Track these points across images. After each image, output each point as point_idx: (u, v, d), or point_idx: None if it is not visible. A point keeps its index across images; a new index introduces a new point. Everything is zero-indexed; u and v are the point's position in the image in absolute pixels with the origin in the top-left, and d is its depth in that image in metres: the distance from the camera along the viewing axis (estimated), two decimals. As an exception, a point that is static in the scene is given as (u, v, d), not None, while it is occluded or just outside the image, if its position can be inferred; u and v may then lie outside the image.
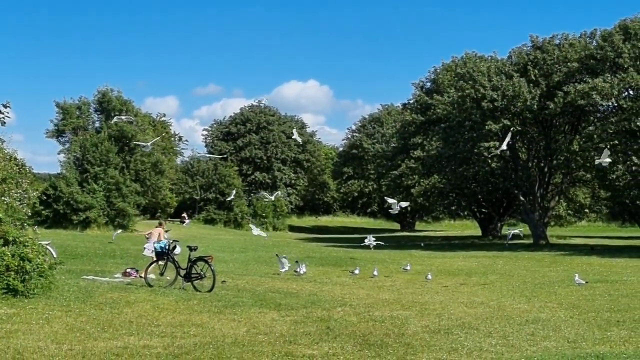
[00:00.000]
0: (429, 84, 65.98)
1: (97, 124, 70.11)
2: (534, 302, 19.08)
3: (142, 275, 20.72)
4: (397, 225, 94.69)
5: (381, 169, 75.45)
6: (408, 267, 28.61)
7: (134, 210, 59.10)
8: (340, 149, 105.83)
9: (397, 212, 33.46)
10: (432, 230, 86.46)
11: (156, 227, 24.15)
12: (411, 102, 67.16)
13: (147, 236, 24.56)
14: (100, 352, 11.07)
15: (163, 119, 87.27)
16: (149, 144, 42.51)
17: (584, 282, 22.57)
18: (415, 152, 59.68)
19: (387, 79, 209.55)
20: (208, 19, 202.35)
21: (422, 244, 52.53)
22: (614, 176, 45.44)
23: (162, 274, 20.44)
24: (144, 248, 24.13)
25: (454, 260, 36.03)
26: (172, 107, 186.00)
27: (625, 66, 44.66)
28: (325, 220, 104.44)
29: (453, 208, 75.33)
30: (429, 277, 25.86)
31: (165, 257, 20.28)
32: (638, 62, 45.10)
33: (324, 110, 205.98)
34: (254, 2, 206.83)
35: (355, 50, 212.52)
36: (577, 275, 23.23)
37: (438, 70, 63.75)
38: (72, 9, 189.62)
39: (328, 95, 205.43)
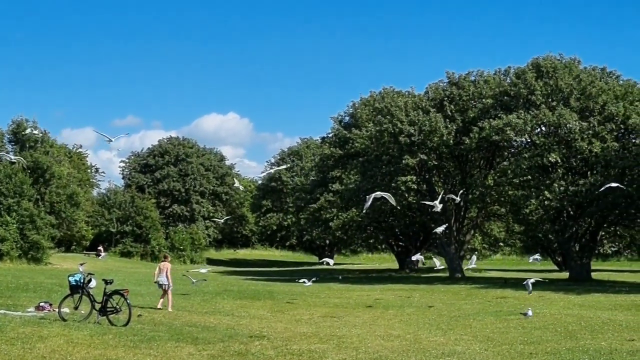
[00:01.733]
0: (347, 118, 66.43)
1: (11, 155, 68.56)
2: (449, 334, 19.31)
3: (56, 309, 20.29)
4: (315, 258, 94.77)
5: (300, 202, 75.56)
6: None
7: (48, 243, 57.80)
8: (260, 182, 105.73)
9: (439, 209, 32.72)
10: (350, 263, 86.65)
11: (162, 261, 25.75)
12: (330, 136, 67.46)
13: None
14: (10, 389, 10.82)
15: (79, 150, 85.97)
16: (10, 156, 41.37)
17: (530, 315, 23.15)
18: (333, 186, 59.96)
19: (307, 112, 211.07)
20: (127, 50, 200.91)
21: (340, 277, 52.66)
22: (528, 211, 46.32)
23: (76, 308, 20.05)
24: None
25: (371, 293, 36.20)
26: (90, 138, 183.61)
27: (538, 103, 45.91)
28: (243, 253, 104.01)
29: (371, 241, 75.84)
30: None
31: (80, 291, 19.93)
32: (550, 99, 46.42)
33: (243, 143, 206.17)
34: (173, 34, 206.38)
35: (275, 83, 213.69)
36: (530, 309, 23.78)
37: (356, 105, 64.25)
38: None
39: (248, 128, 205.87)
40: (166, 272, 24.88)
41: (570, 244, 48.69)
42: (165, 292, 24.79)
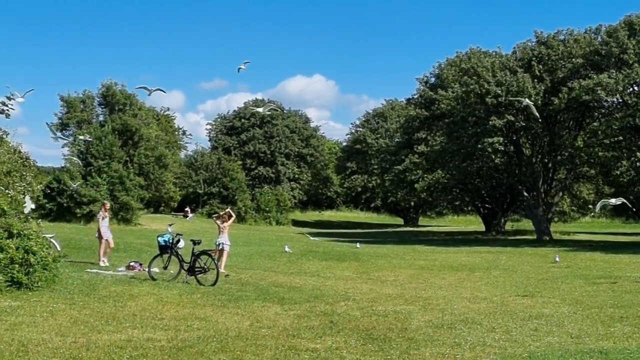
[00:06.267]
0: (433, 79, 65.70)
1: (101, 118, 70.22)
2: (537, 297, 19.06)
3: (146, 268, 20.73)
4: (400, 221, 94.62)
5: (385, 164, 75.48)
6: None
7: (137, 204, 59.02)
8: (344, 143, 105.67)
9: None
10: (435, 226, 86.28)
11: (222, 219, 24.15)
12: (415, 97, 66.99)
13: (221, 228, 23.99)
14: (104, 344, 11.07)
15: (167, 112, 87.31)
16: None
17: (558, 260, 23.30)
18: (419, 147, 59.65)
19: (392, 74, 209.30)
20: (214, 13, 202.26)
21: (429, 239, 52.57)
22: (618, 172, 45.37)
23: (165, 268, 20.46)
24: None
25: (457, 256, 36.01)
26: (178, 101, 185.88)
27: (630, 62, 44.59)
28: (328, 214, 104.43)
29: (457, 203, 75.26)
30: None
31: (169, 251, 20.31)
32: (643, 58, 45.08)
33: (328, 105, 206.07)
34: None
35: (361, 45, 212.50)
36: (557, 255, 24.00)
37: (442, 66, 63.44)
38: (77, 0, 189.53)
39: (334, 90, 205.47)
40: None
41: (663, 207, 47.59)
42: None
